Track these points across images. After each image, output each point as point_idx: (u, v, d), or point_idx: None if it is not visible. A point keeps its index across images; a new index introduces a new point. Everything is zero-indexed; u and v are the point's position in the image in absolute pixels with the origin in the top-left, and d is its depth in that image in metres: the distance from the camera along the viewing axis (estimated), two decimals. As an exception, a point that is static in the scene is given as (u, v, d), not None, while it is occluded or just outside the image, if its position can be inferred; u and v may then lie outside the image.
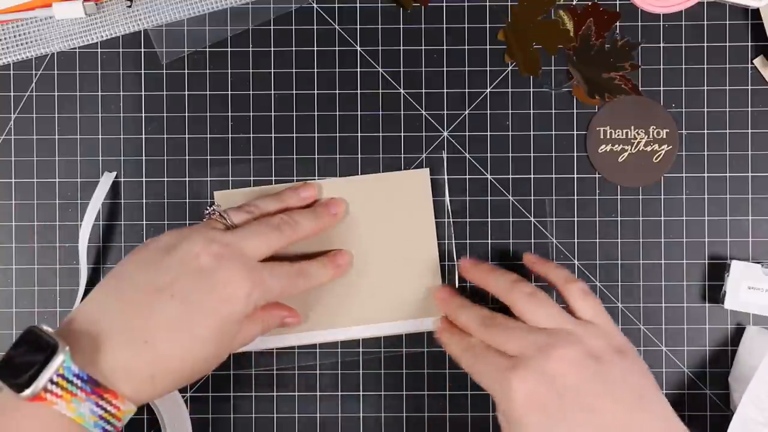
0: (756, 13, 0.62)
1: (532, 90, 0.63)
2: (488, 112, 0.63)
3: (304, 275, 0.57)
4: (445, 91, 0.63)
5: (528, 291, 0.54)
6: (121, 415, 0.48)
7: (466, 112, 0.63)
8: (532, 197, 0.62)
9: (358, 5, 0.63)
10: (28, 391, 0.45)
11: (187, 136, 0.63)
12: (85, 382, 0.46)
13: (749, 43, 0.62)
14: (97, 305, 0.50)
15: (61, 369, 0.45)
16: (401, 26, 0.63)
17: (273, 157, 0.63)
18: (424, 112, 0.63)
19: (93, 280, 0.63)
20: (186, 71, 0.63)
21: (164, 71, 0.63)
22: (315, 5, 0.63)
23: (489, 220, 0.62)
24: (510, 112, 0.63)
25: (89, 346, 0.48)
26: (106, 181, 0.61)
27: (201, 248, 0.52)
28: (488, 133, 0.63)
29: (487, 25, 0.62)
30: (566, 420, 0.49)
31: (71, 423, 0.46)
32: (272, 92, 0.63)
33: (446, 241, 0.62)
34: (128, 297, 0.50)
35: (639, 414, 0.50)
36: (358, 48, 0.63)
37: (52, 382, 0.45)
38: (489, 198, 0.63)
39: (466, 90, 0.63)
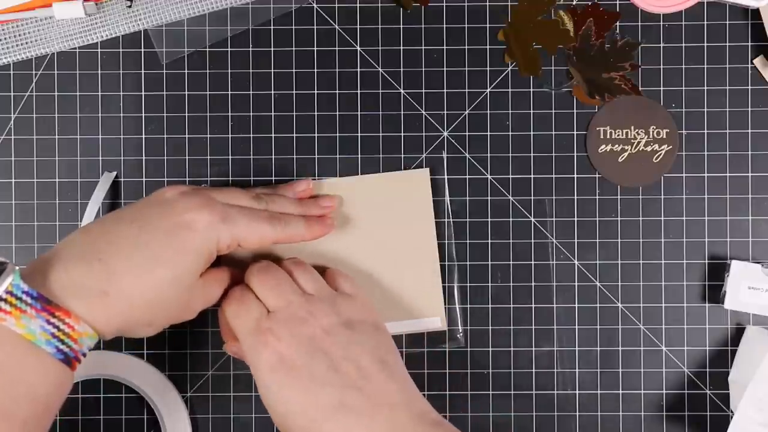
0: (756, 13, 0.62)
1: (532, 90, 0.63)
2: (488, 112, 0.63)
3: (277, 221, 0.56)
4: (445, 91, 0.63)
5: (293, 261, 0.57)
6: (77, 336, 0.48)
7: (466, 112, 0.63)
8: (532, 197, 0.62)
9: (358, 5, 0.63)
10: None
11: (187, 136, 0.63)
12: (35, 299, 0.46)
13: (749, 43, 0.62)
14: (63, 239, 0.52)
15: (9, 287, 0.46)
16: (401, 26, 0.63)
17: (273, 157, 0.63)
18: (424, 112, 0.63)
19: (93, 280, 0.63)
20: (186, 71, 0.63)
21: (164, 71, 0.63)
22: (315, 5, 0.63)
23: (489, 220, 0.62)
24: (510, 112, 0.63)
25: (43, 267, 0.49)
26: (105, 180, 0.61)
27: (169, 187, 0.55)
28: (488, 133, 0.63)
29: (487, 25, 0.62)
30: (312, 377, 0.51)
31: (22, 340, 0.46)
32: (272, 92, 0.63)
33: (446, 241, 0.62)
34: (90, 228, 0.52)
35: (381, 376, 0.52)
36: (358, 48, 0.63)
37: (1, 299, 0.46)
38: (489, 198, 0.62)
39: (466, 90, 0.63)
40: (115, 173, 0.62)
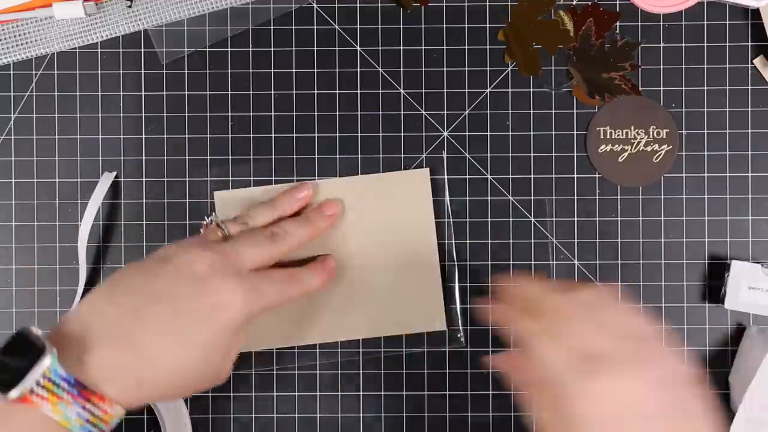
0: (756, 13, 0.62)
1: (532, 90, 0.63)
2: (488, 112, 0.63)
3: (296, 281, 0.56)
4: (445, 91, 0.63)
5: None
6: (109, 419, 0.48)
7: (466, 112, 0.63)
8: (532, 197, 0.62)
9: (358, 5, 0.63)
10: (14, 393, 0.45)
11: (187, 136, 0.63)
12: (71, 386, 0.46)
13: (749, 43, 0.62)
14: (89, 308, 0.50)
15: (47, 372, 0.45)
16: (401, 26, 0.63)
17: (273, 157, 0.63)
18: (424, 112, 0.63)
19: (93, 280, 0.63)
20: (186, 71, 0.63)
21: (164, 71, 0.63)
22: (315, 5, 0.63)
23: (489, 220, 0.62)
24: (510, 112, 0.63)
25: (77, 348, 0.48)
26: (105, 180, 0.61)
27: (196, 256, 0.52)
28: (488, 133, 0.63)
29: (487, 25, 0.62)
30: None
31: (57, 426, 0.46)
32: (272, 92, 0.63)
33: (446, 241, 0.62)
34: (120, 301, 0.50)
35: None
36: (358, 48, 0.63)
37: (38, 384, 0.45)
38: (489, 198, 0.63)
39: (466, 90, 0.63)
40: (114, 173, 0.62)
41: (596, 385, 0.44)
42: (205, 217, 0.58)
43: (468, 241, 0.62)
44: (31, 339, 0.46)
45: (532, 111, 0.62)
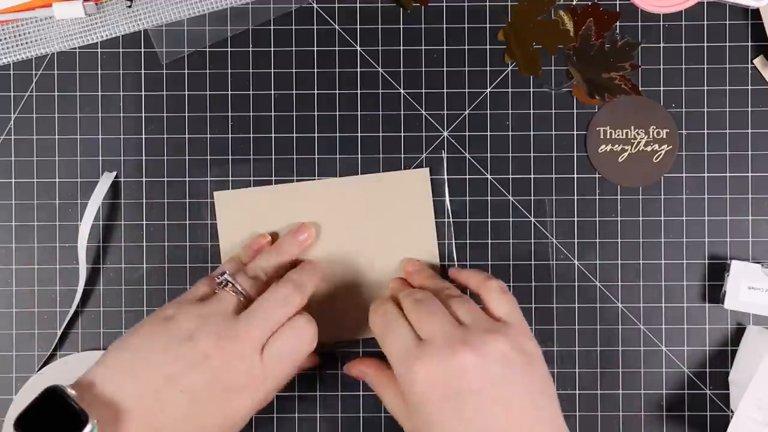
0: (756, 13, 0.62)
1: (532, 90, 0.63)
2: (488, 112, 0.63)
3: (307, 343, 0.56)
4: (445, 91, 0.63)
5: (454, 293, 0.56)
6: None
7: (466, 112, 0.63)
8: (532, 197, 0.62)
9: (358, 5, 0.63)
10: None
11: (187, 136, 0.63)
12: None
13: (749, 43, 0.62)
14: (114, 380, 0.51)
15: None
16: (401, 26, 0.63)
17: (273, 157, 0.63)
18: (424, 112, 0.63)
19: (93, 280, 0.63)
20: (186, 71, 0.63)
21: (164, 71, 0.63)
22: (315, 5, 0.63)
23: (489, 220, 0.62)
24: (510, 112, 0.63)
25: (108, 425, 0.49)
26: (105, 180, 0.61)
27: (213, 346, 0.52)
28: (488, 133, 0.63)
29: (487, 25, 0.62)
30: (459, 416, 0.50)
31: None
32: (272, 92, 0.63)
33: (446, 241, 0.62)
34: (144, 378, 0.51)
35: (528, 417, 0.51)
36: (358, 48, 0.63)
37: None
38: (489, 198, 0.63)
39: (466, 90, 0.63)
40: (114, 173, 0.62)
41: (424, 367, 0.51)
42: (218, 276, 0.56)
43: (468, 241, 0.62)
44: (67, 402, 0.48)
45: (532, 111, 0.62)
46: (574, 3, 0.62)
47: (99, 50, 0.63)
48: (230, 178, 0.63)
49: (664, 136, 0.62)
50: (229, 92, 0.63)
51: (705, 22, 0.62)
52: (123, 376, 0.51)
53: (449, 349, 0.51)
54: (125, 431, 0.49)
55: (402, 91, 0.63)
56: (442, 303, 0.55)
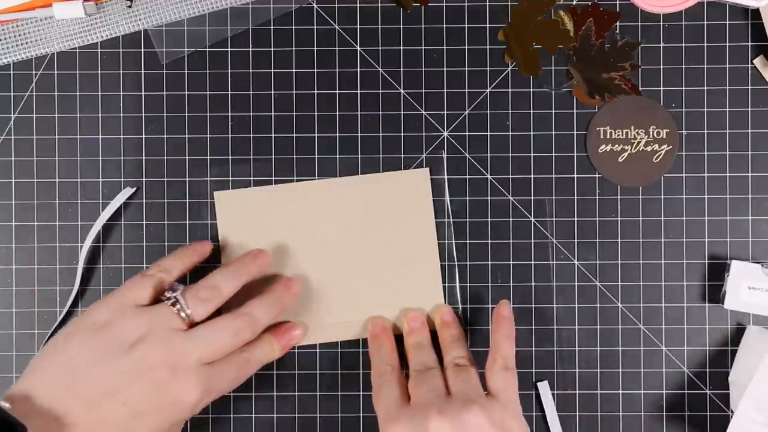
0: (756, 13, 0.62)
1: (532, 90, 0.63)
2: (488, 112, 0.63)
3: (253, 363, 0.58)
4: (445, 91, 0.63)
5: (462, 363, 0.58)
6: None
7: (466, 112, 0.63)
8: (532, 197, 0.62)
9: (358, 5, 0.63)
10: None
11: (187, 136, 0.63)
12: None
13: (749, 43, 0.62)
14: (53, 394, 0.51)
15: None
16: (401, 26, 0.63)
17: (273, 157, 0.63)
18: (424, 112, 0.63)
19: (93, 280, 0.63)
20: (186, 71, 0.63)
21: (164, 71, 0.63)
22: (315, 5, 0.63)
23: (489, 220, 0.62)
24: (510, 112, 0.63)
25: None
26: (122, 196, 0.62)
27: (159, 360, 0.52)
28: (488, 133, 0.63)
29: (487, 25, 0.62)
30: None
31: None
32: (272, 92, 0.63)
33: (446, 241, 0.62)
34: (82, 391, 0.51)
35: None
36: (358, 48, 0.63)
37: None
38: (489, 198, 0.63)
39: (466, 90, 0.63)
40: (135, 189, 0.62)
41: (397, 429, 0.53)
42: (166, 291, 0.56)
43: (468, 241, 0.62)
44: (6, 416, 0.48)
45: (532, 111, 0.62)
46: (574, 3, 0.62)
47: (99, 50, 0.63)
48: (230, 178, 0.63)
49: (664, 136, 0.62)
50: (229, 92, 0.63)
51: (705, 22, 0.62)
52: (62, 389, 0.51)
53: (423, 416, 0.53)
54: None
55: (402, 91, 0.63)
56: (446, 370, 0.57)
